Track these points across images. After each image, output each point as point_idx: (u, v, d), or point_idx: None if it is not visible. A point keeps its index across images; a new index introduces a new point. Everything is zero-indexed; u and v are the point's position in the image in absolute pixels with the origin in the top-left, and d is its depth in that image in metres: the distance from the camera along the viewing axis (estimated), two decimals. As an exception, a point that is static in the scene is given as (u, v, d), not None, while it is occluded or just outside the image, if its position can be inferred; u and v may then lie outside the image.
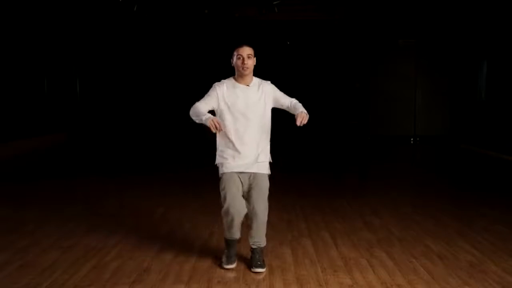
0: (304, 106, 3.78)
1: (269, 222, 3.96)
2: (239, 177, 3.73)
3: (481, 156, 10.55)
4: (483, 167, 9.40)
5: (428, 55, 13.42)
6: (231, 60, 3.70)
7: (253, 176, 3.74)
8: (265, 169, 3.78)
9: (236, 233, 3.83)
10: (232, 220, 3.71)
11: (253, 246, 3.83)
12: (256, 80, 3.79)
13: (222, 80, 3.79)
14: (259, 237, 3.81)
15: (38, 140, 11.62)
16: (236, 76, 3.75)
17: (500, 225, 5.04)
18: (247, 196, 3.77)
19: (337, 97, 14.59)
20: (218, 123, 3.47)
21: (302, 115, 3.56)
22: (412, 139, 13.49)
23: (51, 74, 12.61)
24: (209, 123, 3.45)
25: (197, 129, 12.71)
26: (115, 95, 14.81)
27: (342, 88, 14.49)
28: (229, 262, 3.82)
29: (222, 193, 3.74)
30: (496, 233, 4.75)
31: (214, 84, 3.78)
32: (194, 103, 3.72)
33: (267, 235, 3.90)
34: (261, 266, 3.76)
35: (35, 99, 11.74)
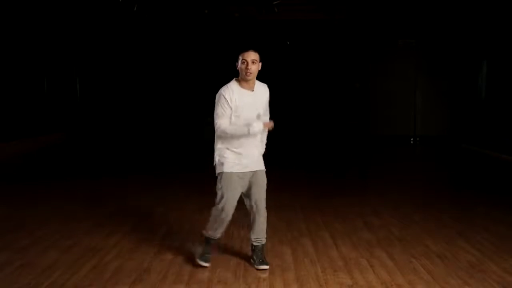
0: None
1: (268, 222, 3.97)
2: (238, 177, 3.74)
3: (481, 156, 10.54)
4: (483, 167, 9.40)
5: (428, 55, 13.41)
6: (236, 63, 3.70)
7: (253, 174, 3.78)
8: (263, 165, 3.87)
9: (221, 233, 3.92)
10: (223, 220, 3.77)
11: (255, 243, 3.86)
12: (258, 83, 3.82)
13: (227, 85, 3.73)
14: (262, 234, 3.86)
15: (38, 140, 11.62)
16: (239, 79, 3.72)
17: (500, 225, 5.04)
18: (247, 194, 3.81)
19: (337, 97, 14.56)
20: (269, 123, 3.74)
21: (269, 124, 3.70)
22: (412, 139, 13.48)
23: (51, 74, 12.61)
24: (266, 128, 3.75)
25: (196, 130, 12.73)
26: (115, 95, 14.80)
27: (342, 88, 14.46)
28: (206, 260, 3.84)
29: (219, 192, 3.75)
30: (496, 233, 4.75)
31: (220, 92, 3.69)
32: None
33: (266, 234, 3.91)
34: (265, 263, 3.82)
35: (35, 99, 11.74)
